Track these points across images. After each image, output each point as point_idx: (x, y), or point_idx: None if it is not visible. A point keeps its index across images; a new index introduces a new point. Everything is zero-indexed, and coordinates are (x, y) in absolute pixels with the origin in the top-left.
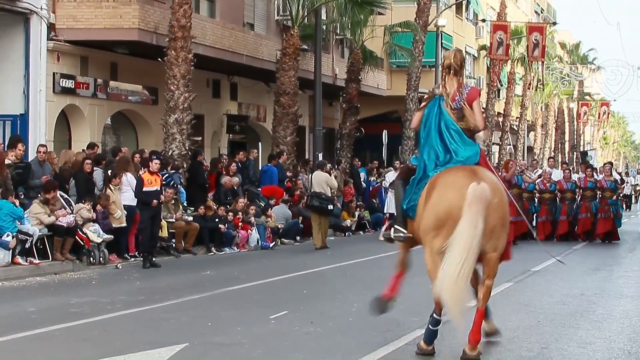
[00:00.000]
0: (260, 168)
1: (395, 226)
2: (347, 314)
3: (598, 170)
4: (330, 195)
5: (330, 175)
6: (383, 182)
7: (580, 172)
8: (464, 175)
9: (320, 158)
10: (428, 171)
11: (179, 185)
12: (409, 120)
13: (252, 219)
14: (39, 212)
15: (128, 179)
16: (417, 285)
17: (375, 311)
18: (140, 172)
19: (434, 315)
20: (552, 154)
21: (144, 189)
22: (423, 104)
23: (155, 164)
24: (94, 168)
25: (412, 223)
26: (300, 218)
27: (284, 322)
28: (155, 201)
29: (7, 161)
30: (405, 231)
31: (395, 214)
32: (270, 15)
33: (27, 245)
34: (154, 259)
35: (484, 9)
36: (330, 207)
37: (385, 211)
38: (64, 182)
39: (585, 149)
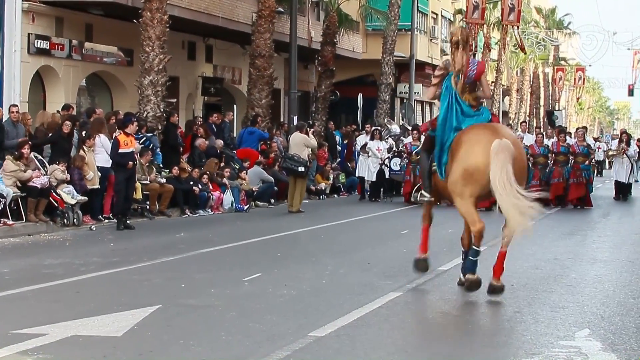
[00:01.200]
0: (235, 130)
1: (422, 191)
2: (321, 276)
3: (572, 135)
4: (306, 157)
5: (308, 136)
6: (355, 145)
7: (553, 137)
8: (486, 132)
9: (296, 121)
10: (446, 136)
11: (157, 149)
12: (384, 84)
13: (226, 180)
14: (14, 169)
15: (101, 141)
16: (391, 248)
17: (418, 272)
18: (116, 134)
19: (473, 247)
20: (528, 118)
21: (120, 150)
22: (437, 80)
23: (134, 126)
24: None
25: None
26: (274, 181)
27: (258, 284)
28: (130, 163)
29: None
30: (429, 196)
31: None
32: None
33: (0, 207)
34: (128, 221)
35: None
36: (301, 169)
37: (356, 175)
38: (39, 143)
39: (553, 109)
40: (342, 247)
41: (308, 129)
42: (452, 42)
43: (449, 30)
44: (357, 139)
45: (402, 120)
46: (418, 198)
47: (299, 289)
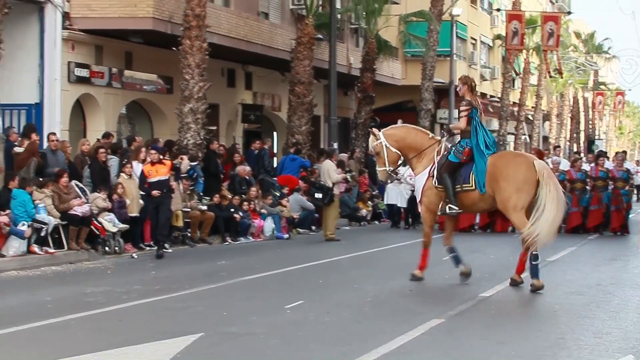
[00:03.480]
0: (276, 157)
1: (450, 205)
2: (363, 303)
3: (610, 159)
4: (330, 185)
5: (333, 163)
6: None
7: (589, 162)
8: (521, 157)
9: (335, 147)
10: (479, 155)
11: (200, 178)
12: (423, 110)
13: (264, 209)
14: (40, 197)
15: (133, 168)
16: (432, 275)
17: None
18: (142, 165)
19: (533, 252)
20: (568, 144)
21: (149, 180)
22: (465, 112)
23: (152, 154)
24: (109, 156)
25: (482, 196)
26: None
27: (300, 311)
28: (155, 192)
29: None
30: (457, 208)
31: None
32: (284, 4)
33: (42, 235)
34: (165, 249)
35: None
36: (318, 195)
37: (385, 202)
38: (78, 170)
39: (593, 138)
40: (383, 274)
41: (336, 155)
42: (473, 87)
43: (460, 77)
44: None
45: None
46: (447, 211)
47: (340, 316)
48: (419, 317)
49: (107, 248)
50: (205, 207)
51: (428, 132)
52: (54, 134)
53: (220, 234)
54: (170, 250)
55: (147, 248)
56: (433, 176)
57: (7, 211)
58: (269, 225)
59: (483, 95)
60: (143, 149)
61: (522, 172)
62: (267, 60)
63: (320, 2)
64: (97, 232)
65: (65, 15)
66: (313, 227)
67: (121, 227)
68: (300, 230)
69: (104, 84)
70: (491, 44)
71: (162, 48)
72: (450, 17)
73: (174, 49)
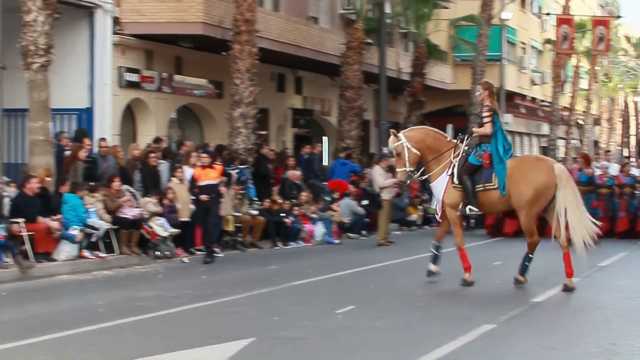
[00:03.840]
0: (327, 162)
1: (470, 207)
2: (414, 308)
3: None
4: (377, 191)
5: (383, 168)
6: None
7: (638, 167)
8: (542, 161)
9: (386, 152)
10: (498, 159)
11: (249, 180)
12: (473, 114)
13: (315, 213)
14: (91, 202)
15: (184, 172)
16: (483, 280)
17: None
18: (193, 169)
19: (529, 255)
20: (619, 148)
21: (198, 183)
22: (489, 118)
23: (204, 158)
24: (159, 161)
25: (501, 198)
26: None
27: (351, 316)
28: (203, 197)
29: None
30: (477, 210)
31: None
32: (334, 9)
33: (93, 239)
34: (215, 253)
35: (548, 2)
36: (365, 202)
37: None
38: (129, 175)
39: None
40: (433, 279)
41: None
42: (494, 92)
43: (481, 82)
44: None
45: None
46: (467, 212)
47: (392, 321)
48: (471, 322)
49: (158, 252)
50: (256, 212)
51: (446, 135)
52: (104, 139)
53: (270, 238)
54: (221, 255)
55: (198, 252)
56: (453, 175)
57: (59, 216)
58: (319, 230)
59: (533, 99)
60: (193, 154)
61: (543, 176)
62: (316, 65)
63: (370, 7)
64: (148, 237)
65: (116, 20)
66: (363, 232)
67: (172, 232)
68: (351, 235)
69: (154, 89)
70: (541, 48)
71: (212, 53)
72: (499, 22)
73: (223, 53)
